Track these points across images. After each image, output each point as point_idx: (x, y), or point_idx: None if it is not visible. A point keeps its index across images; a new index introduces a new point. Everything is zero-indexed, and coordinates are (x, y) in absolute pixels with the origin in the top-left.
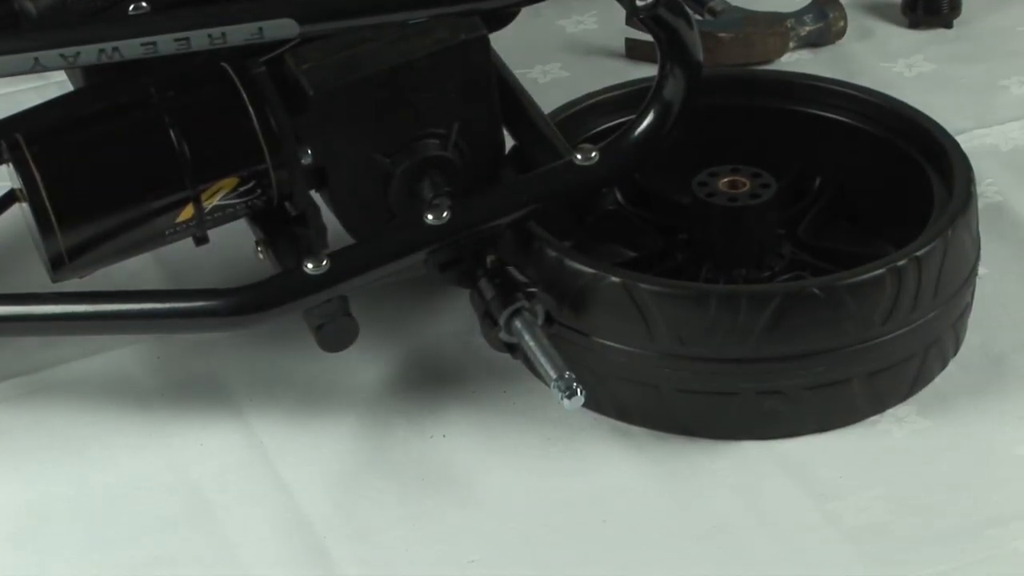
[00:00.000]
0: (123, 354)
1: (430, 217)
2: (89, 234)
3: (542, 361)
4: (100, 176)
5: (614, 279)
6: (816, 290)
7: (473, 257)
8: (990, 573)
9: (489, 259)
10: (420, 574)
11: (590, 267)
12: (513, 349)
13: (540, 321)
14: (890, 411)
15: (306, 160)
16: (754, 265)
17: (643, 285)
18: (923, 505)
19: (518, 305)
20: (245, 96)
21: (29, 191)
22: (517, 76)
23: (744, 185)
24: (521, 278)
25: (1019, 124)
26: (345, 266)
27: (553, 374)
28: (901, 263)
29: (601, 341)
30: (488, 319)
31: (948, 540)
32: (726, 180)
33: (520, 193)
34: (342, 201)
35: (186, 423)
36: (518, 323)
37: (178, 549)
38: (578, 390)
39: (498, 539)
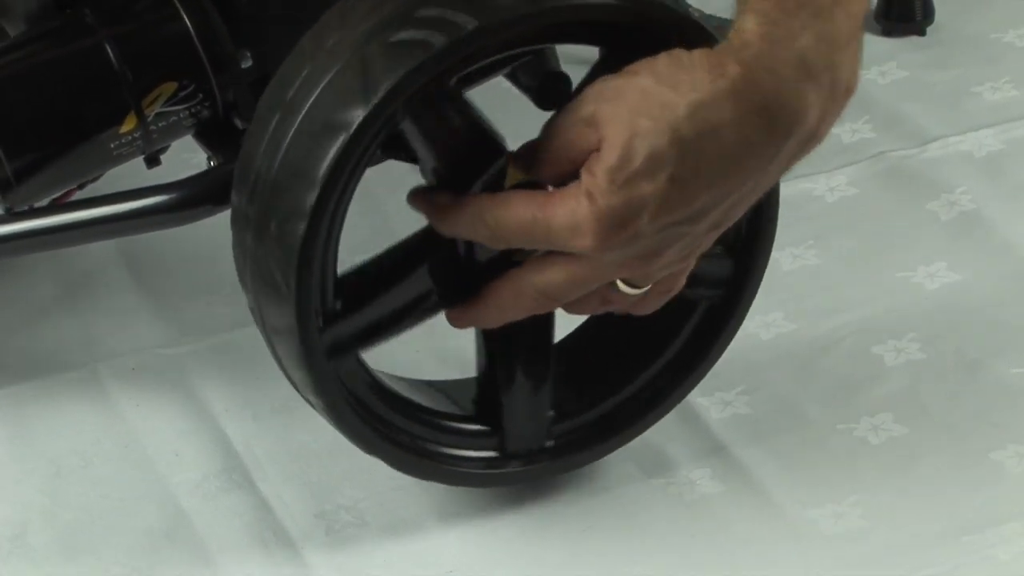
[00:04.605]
0: (98, 367)
1: None
2: (32, 152)
3: None
4: (38, 90)
5: None
6: None
7: None
8: None
9: None
10: None
11: None
12: None
13: None
14: (866, 418)
15: (246, 63)
16: None
17: None
18: (899, 512)
19: None
20: (176, 0)
21: None
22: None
23: None
24: None
25: (992, 131)
26: None
27: None
28: None
29: None
30: None
31: (924, 547)
32: None
33: None
34: None
35: (162, 434)
36: None
37: (155, 559)
38: None
39: (477, 549)
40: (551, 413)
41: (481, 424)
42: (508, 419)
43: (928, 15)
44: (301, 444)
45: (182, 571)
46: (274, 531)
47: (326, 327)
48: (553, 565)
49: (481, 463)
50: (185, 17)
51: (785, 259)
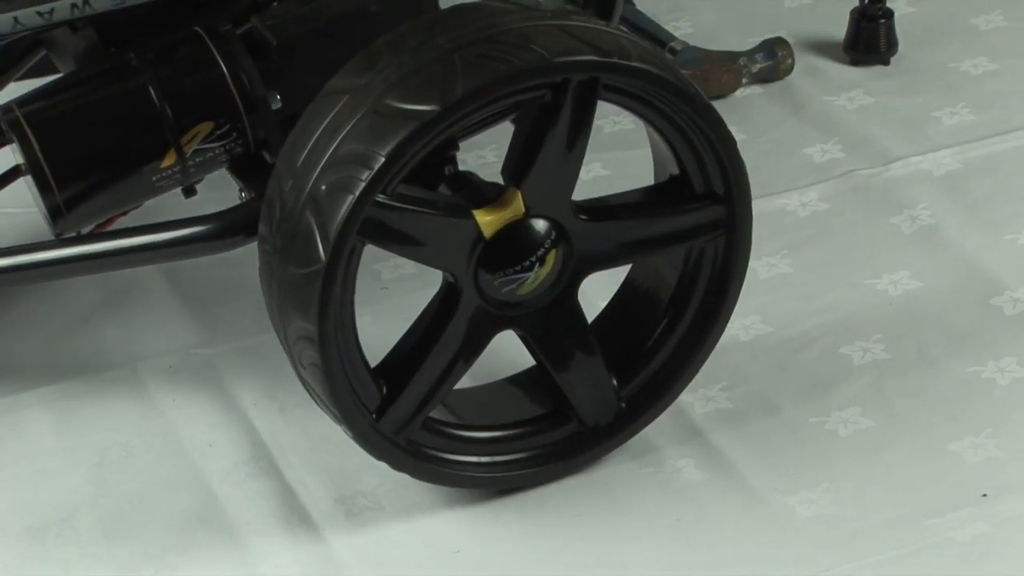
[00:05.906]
0: (138, 365)
1: None
2: (80, 182)
3: None
4: (87, 127)
5: None
6: None
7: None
8: (929, 559)
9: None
10: (410, 561)
11: None
12: None
13: None
14: (836, 412)
15: (275, 104)
16: None
17: None
18: (867, 498)
19: None
20: (213, 48)
21: (24, 148)
22: None
23: None
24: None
25: (950, 152)
26: None
27: None
28: None
29: None
30: None
31: (891, 530)
32: None
33: None
34: None
35: (196, 426)
36: None
37: (190, 539)
38: None
39: (481, 532)
40: (614, 381)
41: (556, 411)
42: (575, 399)
43: (892, 47)
44: (323, 435)
45: (214, 550)
46: (298, 514)
47: (379, 417)
48: (549, 545)
49: (567, 442)
50: (221, 63)
51: (762, 268)
